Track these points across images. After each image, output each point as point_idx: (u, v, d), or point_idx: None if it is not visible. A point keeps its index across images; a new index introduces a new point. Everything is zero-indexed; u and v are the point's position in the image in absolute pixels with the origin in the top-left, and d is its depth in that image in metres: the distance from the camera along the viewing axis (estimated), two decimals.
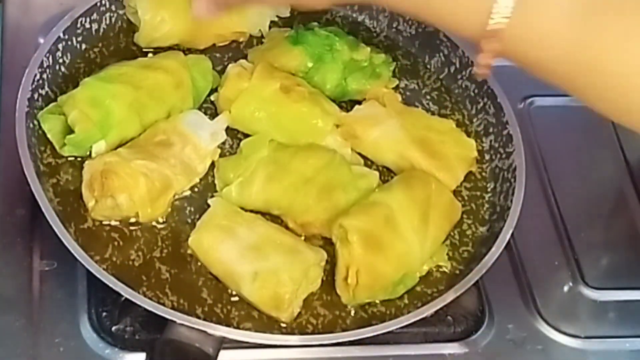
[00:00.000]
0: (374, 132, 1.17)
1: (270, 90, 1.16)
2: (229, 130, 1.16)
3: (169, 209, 1.09)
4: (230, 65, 1.19)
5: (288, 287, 1.02)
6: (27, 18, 1.31)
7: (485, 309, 1.12)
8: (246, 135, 1.15)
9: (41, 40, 1.21)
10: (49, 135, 1.10)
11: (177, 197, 1.10)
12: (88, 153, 1.09)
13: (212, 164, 1.13)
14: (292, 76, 1.19)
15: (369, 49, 1.24)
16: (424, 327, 1.08)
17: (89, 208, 1.06)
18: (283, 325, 1.03)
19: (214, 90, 1.19)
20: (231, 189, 1.10)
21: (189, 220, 1.08)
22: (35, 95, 1.11)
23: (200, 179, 1.12)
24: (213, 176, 1.12)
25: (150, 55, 1.21)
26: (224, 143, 1.15)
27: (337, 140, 1.16)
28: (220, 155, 1.14)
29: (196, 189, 1.11)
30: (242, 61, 1.20)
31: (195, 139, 1.12)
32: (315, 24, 1.26)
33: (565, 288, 1.18)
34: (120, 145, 1.10)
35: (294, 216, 1.09)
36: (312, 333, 1.03)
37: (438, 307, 1.04)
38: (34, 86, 1.11)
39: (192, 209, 1.09)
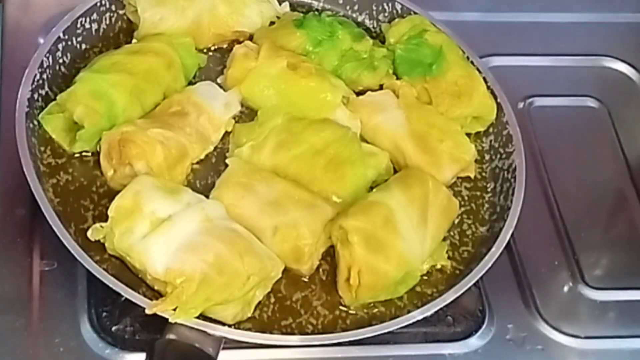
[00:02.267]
0: (376, 117, 1.18)
1: (278, 67, 1.18)
2: (244, 107, 1.18)
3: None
4: (236, 46, 1.21)
5: (308, 240, 1.04)
6: (27, 18, 1.31)
7: (485, 309, 1.12)
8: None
9: (41, 40, 1.20)
10: (53, 136, 1.10)
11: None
12: (97, 148, 1.10)
13: (225, 135, 1.15)
14: (297, 54, 1.21)
15: (371, 41, 1.25)
16: (424, 327, 1.07)
17: (108, 178, 1.08)
18: (283, 324, 1.03)
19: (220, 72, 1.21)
20: (243, 149, 1.12)
21: None
22: (35, 95, 1.11)
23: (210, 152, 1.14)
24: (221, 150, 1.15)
25: (134, 41, 1.21)
26: (240, 114, 1.17)
27: (347, 113, 1.18)
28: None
29: (210, 157, 1.14)
30: (247, 42, 1.22)
31: (209, 109, 1.14)
32: (329, 12, 1.29)
33: (565, 288, 1.18)
34: None
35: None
36: (312, 333, 1.03)
37: (438, 307, 1.04)
38: (34, 86, 1.10)
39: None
